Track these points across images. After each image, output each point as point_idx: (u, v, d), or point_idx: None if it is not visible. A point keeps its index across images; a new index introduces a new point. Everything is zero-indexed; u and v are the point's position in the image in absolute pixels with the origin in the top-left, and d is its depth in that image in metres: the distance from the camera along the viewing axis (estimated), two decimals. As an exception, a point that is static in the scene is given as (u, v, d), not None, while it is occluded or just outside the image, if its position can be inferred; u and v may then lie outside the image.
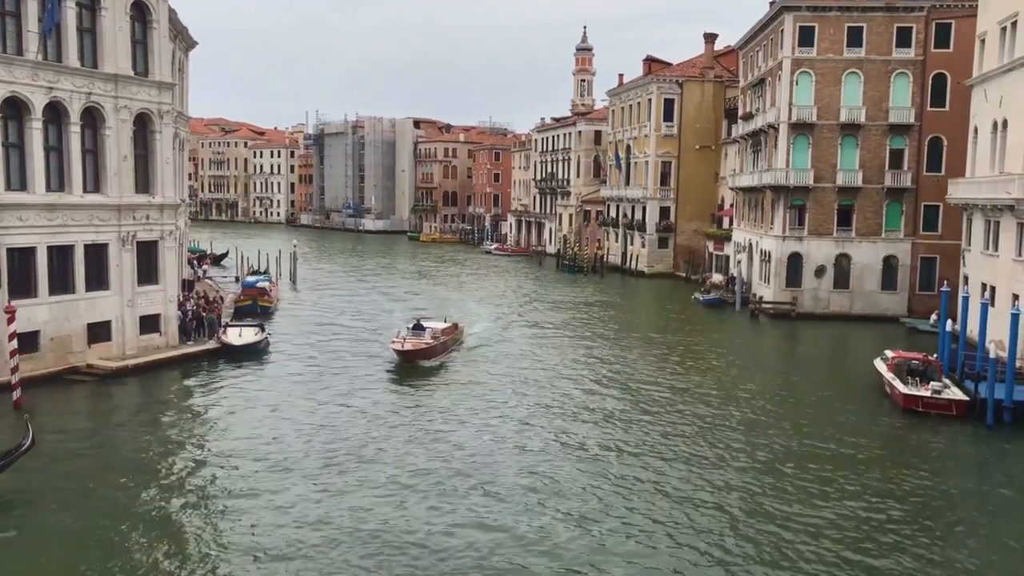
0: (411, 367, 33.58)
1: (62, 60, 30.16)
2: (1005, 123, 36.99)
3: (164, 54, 34.61)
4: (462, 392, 30.56)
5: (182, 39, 46.58)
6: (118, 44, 31.86)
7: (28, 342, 29.22)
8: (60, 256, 30.65)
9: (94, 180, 31.95)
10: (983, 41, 40.26)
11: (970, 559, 17.50)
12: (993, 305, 34.28)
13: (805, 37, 49.74)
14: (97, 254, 31.87)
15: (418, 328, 35.93)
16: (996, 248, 37.28)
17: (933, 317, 44.94)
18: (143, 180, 33.79)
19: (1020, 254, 34.35)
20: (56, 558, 16.70)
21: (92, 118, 31.60)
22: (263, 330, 38.14)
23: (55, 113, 30.33)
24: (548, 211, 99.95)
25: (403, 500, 19.88)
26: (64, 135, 30.67)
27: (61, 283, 30.69)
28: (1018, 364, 28.72)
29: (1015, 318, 27.74)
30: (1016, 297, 33.79)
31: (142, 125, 33.57)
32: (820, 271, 50.87)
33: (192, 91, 53.16)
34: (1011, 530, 19.17)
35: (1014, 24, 36.23)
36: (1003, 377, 27.07)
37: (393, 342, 34.26)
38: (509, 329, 44.92)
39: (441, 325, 38.09)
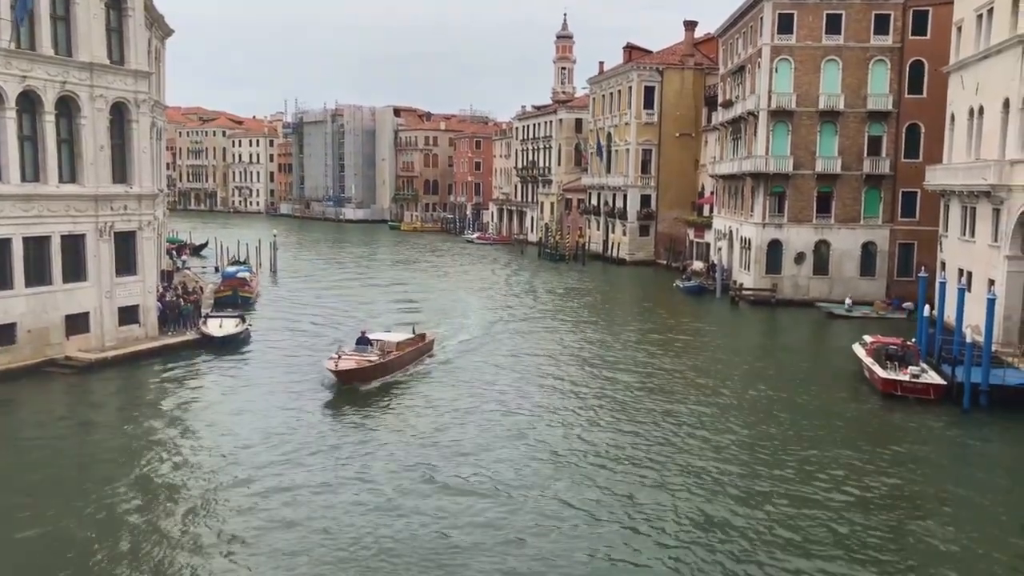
0: (351, 389, 28.17)
1: (36, 48, 29.71)
2: (981, 110, 37.33)
3: (140, 42, 34.18)
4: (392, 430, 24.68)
5: (158, 27, 46.06)
6: (93, 32, 31.44)
7: (5, 334, 28.98)
8: (36, 247, 30.28)
9: (70, 170, 31.56)
10: (960, 28, 40.56)
11: (946, 537, 17.77)
12: (970, 290, 34.68)
13: (784, 24, 49.88)
14: (74, 245, 31.52)
15: (363, 342, 30.65)
16: (973, 234, 37.68)
17: (848, 301, 46.70)
18: (120, 170, 33.40)
19: (996, 240, 34.74)
20: (22, 551, 16.58)
21: (67, 107, 31.19)
22: (244, 321, 37.93)
23: (29, 102, 29.90)
24: (530, 200, 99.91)
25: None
26: (39, 125, 30.24)
27: (38, 274, 30.34)
28: (994, 348, 29.12)
29: (991, 303, 28.09)
30: (992, 282, 34.21)
31: (119, 114, 33.18)
32: (800, 258, 51.22)
33: (169, 80, 52.62)
34: (985, 508, 19.49)
35: (990, 11, 36.52)
36: (979, 361, 27.42)
37: (329, 359, 28.92)
38: (494, 326, 42.19)
39: (398, 337, 32.28)
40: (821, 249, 51.25)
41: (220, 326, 36.37)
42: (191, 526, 17.82)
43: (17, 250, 29.47)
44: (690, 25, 74.13)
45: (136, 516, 18.24)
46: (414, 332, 34.46)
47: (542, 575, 16.06)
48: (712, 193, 65.88)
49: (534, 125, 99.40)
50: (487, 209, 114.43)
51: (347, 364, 28.41)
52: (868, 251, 51.09)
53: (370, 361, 29.22)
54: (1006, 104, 34.27)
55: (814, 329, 44.41)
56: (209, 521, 18.06)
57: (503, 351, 36.13)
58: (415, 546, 17.01)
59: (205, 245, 78.67)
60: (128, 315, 33.68)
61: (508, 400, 28.02)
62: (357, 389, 28.18)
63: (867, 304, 47.36)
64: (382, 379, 29.35)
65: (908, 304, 44.95)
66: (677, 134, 72.21)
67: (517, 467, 21.66)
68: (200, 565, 16.09)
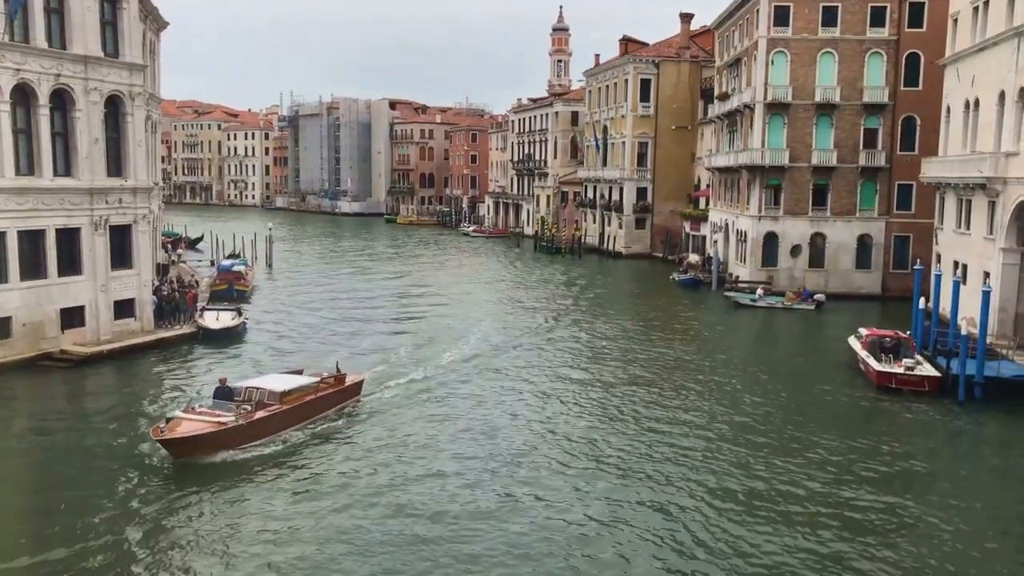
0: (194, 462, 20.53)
1: (29, 41, 29.57)
2: (977, 102, 37.34)
3: (134, 35, 34.06)
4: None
5: (153, 20, 45.88)
6: (87, 25, 31.30)
7: (0, 328, 28.85)
8: (31, 241, 30.19)
9: (65, 163, 31.45)
10: (955, 21, 40.56)
11: (938, 525, 17.85)
12: (965, 283, 34.77)
13: (780, 17, 49.83)
14: (69, 238, 31.43)
15: (223, 395, 22.40)
16: (968, 226, 37.75)
17: (759, 291, 47.49)
18: (115, 163, 33.29)
19: (991, 232, 34.81)
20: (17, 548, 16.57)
21: (62, 100, 31.06)
22: (240, 314, 37.90)
23: (23, 95, 29.77)
24: (526, 193, 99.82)
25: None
26: (33, 118, 30.12)
27: (33, 268, 30.26)
28: (989, 341, 29.20)
29: (986, 295, 28.18)
30: (987, 275, 34.28)
31: (113, 107, 33.05)
32: (795, 250, 51.28)
33: (164, 73, 52.44)
34: (979, 499, 19.56)
35: (986, 4, 36.50)
36: (974, 353, 27.50)
37: (164, 422, 21.30)
38: (471, 332, 37.92)
39: (285, 384, 23.80)
40: (817, 242, 51.32)
41: (216, 319, 36.38)
42: (191, 524, 17.82)
43: (12, 244, 29.37)
44: (686, 17, 74.06)
45: (135, 514, 18.24)
46: (337, 370, 26.57)
47: None
48: (708, 186, 65.90)
49: (530, 118, 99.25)
50: (483, 202, 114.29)
51: (188, 428, 20.69)
52: (864, 244, 51.16)
53: (221, 424, 21.03)
54: (1002, 96, 34.29)
55: (807, 321, 44.39)
56: (207, 517, 18.04)
57: (497, 363, 32.53)
58: None
59: (201, 239, 78.53)
60: (124, 309, 33.63)
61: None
62: (200, 462, 20.44)
63: (779, 295, 47.82)
64: (246, 447, 21.32)
65: (819, 296, 47.10)
66: (673, 127, 72.17)
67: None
68: (195, 563, 16.08)
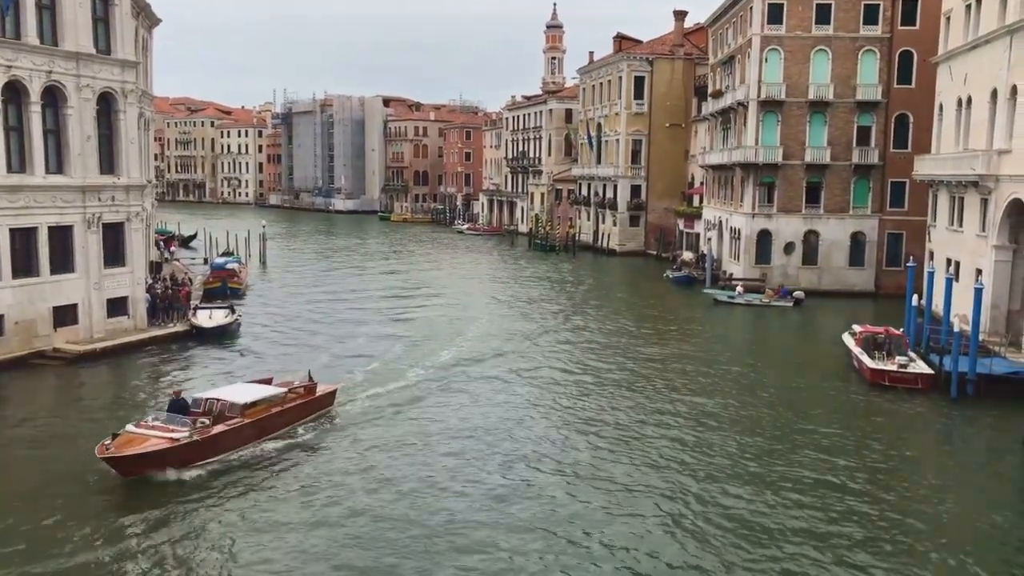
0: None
1: (20, 38, 29.44)
2: (969, 100, 37.44)
3: (127, 32, 33.92)
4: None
5: (145, 16, 45.76)
6: (79, 21, 31.17)
7: (-8, 326, 28.81)
8: (23, 239, 30.09)
9: (57, 161, 31.33)
10: (948, 19, 40.65)
11: (930, 521, 17.94)
12: (958, 280, 34.87)
13: (774, 14, 49.87)
14: (62, 236, 31.32)
15: (178, 408, 21.23)
16: (961, 224, 37.86)
17: (739, 288, 47.92)
18: (108, 161, 33.19)
19: (984, 230, 34.91)
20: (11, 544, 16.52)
21: (54, 97, 30.94)
22: (233, 312, 37.82)
23: (15, 92, 29.63)
24: (520, 190, 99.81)
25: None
26: (25, 115, 29.98)
27: (25, 266, 30.17)
28: (981, 338, 29.29)
29: (978, 293, 28.25)
30: (979, 272, 34.39)
31: (106, 104, 32.93)
32: (789, 248, 51.38)
33: (157, 70, 52.27)
34: (971, 495, 19.64)
35: (979, 2, 36.58)
36: (967, 351, 27.60)
37: (112, 438, 19.67)
38: (457, 337, 36.46)
39: (248, 395, 22.33)
40: (810, 239, 51.41)
41: (210, 317, 36.29)
42: (188, 520, 17.78)
43: (4, 242, 29.27)
44: (680, 15, 74.02)
45: (130, 510, 18.20)
46: (310, 379, 24.85)
47: None
48: (702, 183, 65.94)
49: (524, 115, 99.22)
50: (477, 200, 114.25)
51: (136, 445, 19.30)
52: (857, 241, 51.27)
53: (173, 440, 19.63)
54: (994, 94, 34.38)
55: (801, 318, 44.51)
56: (201, 513, 18.01)
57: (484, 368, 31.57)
58: None
59: (194, 236, 78.38)
60: (117, 307, 33.53)
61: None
62: (150, 480, 19.14)
63: (758, 292, 48.07)
64: (201, 463, 20.01)
65: (798, 293, 47.51)
66: (667, 124, 72.20)
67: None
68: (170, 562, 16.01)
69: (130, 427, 20.29)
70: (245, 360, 32.08)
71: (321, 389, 24.66)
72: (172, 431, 19.90)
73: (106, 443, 19.32)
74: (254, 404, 21.89)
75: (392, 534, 17.02)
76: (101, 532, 16.94)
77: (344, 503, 18.50)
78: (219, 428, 20.73)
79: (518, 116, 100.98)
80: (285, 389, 23.58)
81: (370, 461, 21.04)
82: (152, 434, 19.75)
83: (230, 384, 25.03)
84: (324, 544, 16.55)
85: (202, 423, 20.63)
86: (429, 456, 21.56)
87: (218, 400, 21.67)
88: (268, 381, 24.67)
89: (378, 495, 18.97)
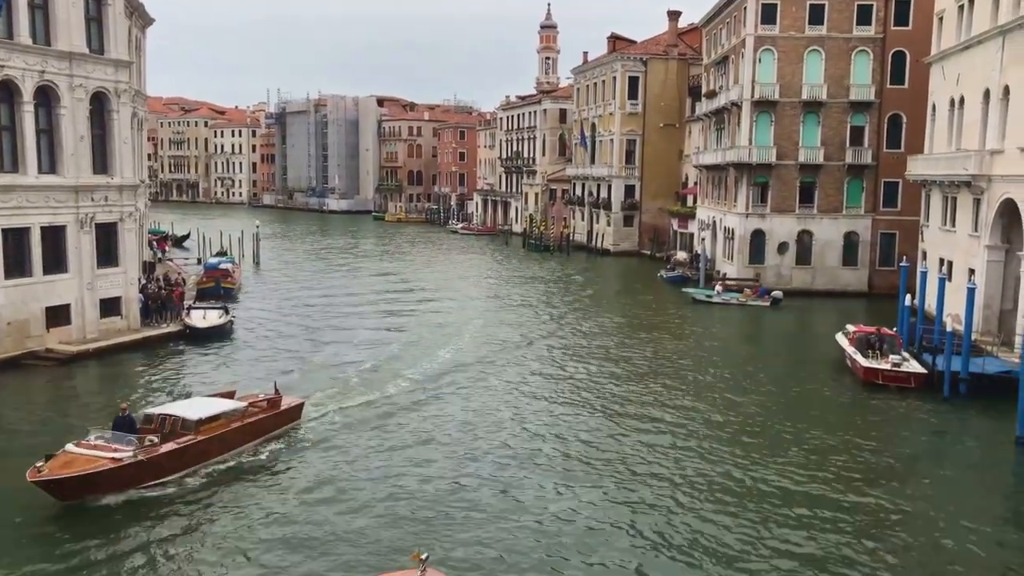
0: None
1: (13, 37, 29.32)
2: (962, 100, 37.58)
3: (120, 31, 33.85)
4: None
5: (138, 16, 45.63)
6: (72, 21, 31.07)
7: (-16, 327, 28.70)
8: (16, 239, 29.96)
9: (50, 161, 31.22)
10: (941, 19, 40.80)
11: (922, 519, 17.99)
12: (950, 280, 34.97)
13: (768, 15, 49.97)
14: (55, 236, 31.21)
15: (123, 426, 19.52)
16: (953, 224, 37.99)
17: (718, 287, 48.48)
18: (101, 161, 33.09)
19: (976, 230, 35.05)
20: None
21: (46, 97, 30.83)
22: (227, 312, 37.75)
23: (7, 92, 29.53)
24: (514, 190, 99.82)
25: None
26: (17, 115, 29.88)
27: (18, 266, 30.04)
28: (974, 337, 29.41)
29: (971, 292, 28.35)
30: (972, 272, 34.51)
31: (99, 104, 32.83)
32: (783, 248, 51.49)
33: (150, 70, 52.14)
34: (962, 493, 19.72)
35: (971, 2, 36.71)
36: (959, 350, 27.70)
37: (43, 462, 17.83)
38: (451, 342, 35.70)
39: (219, 406, 21.26)
40: (804, 239, 51.55)
41: (203, 317, 36.19)
42: (126, 553, 16.82)
43: (-4, 242, 29.17)
44: (674, 15, 74.15)
45: (60, 542, 18.10)
46: (276, 391, 23.42)
47: None
48: (696, 183, 66.05)
49: (518, 115, 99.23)
50: (471, 199, 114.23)
51: (73, 466, 17.66)
52: (850, 241, 51.42)
53: (115, 460, 18.04)
54: (986, 95, 34.51)
55: (794, 318, 44.61)
56: (143, 543, 16.90)
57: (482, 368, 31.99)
58: None
59: (187, 236, 78.21)
60: (110, 307, 33.44)
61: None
62: (90, 506, 17.63)
63: (736, 291, 48.33)
64: (148, 485, 18.46)
65: (776, 293, 47.83)
66: (661, 124, 72.32)
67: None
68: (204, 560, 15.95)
69: (70, 446, 18.59)
70: (239, 360, 32.01)
71: (286, 403, 23.23)
72: (115, 450, 18.27)
73: (38, 465, 17.57)
74: (210, 420, 20.35)
75: (354, 557, 15.81)
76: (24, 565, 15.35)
77: (304, 525, 17.11)
78: (168, 446, 19.07)
79: (512, 116, 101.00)
80: (246, 403, 22.11)
81: (334, 479, 19.70)
82: (93, 453, 18.13)
83: (185, 399, 23.79)
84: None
85: (150, 441, 18.98)
86: (399, 468, 20.29)
87: (170, 416, 20.13)
88: (231, 395, 23.35)
89: (344, 517, 17.53)
